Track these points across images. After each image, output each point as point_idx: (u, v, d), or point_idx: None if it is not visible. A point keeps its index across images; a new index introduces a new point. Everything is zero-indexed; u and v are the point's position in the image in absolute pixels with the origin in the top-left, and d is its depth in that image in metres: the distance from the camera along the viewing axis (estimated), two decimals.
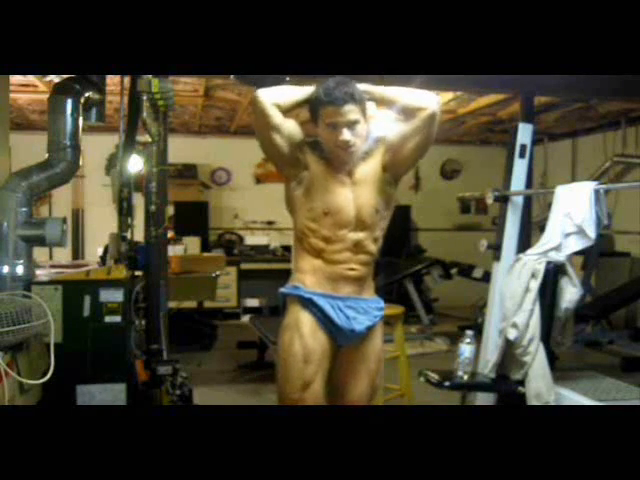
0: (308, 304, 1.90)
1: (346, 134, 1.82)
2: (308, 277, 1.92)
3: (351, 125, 1.83)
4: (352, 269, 1.90)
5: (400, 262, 6.63)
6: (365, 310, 1.95)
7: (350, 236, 1.89)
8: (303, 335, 1.88)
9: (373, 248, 1.95)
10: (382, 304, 2.03)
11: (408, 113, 1.89)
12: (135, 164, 3.47)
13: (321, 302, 1.88)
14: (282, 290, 1.97)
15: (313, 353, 1.87)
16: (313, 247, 1.91)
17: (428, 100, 1.89)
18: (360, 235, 1.91)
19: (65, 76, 2.96)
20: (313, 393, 1.85)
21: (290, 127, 1.88)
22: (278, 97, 1.83)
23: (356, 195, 1.90)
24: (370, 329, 1.96)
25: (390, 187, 1.97)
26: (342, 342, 1.94)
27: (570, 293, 2.52)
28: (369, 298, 1.98)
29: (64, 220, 2.76)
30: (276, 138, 1.85)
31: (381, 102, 1.92)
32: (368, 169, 1.93)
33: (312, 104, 1.89)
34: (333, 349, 1.93)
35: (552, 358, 2.55)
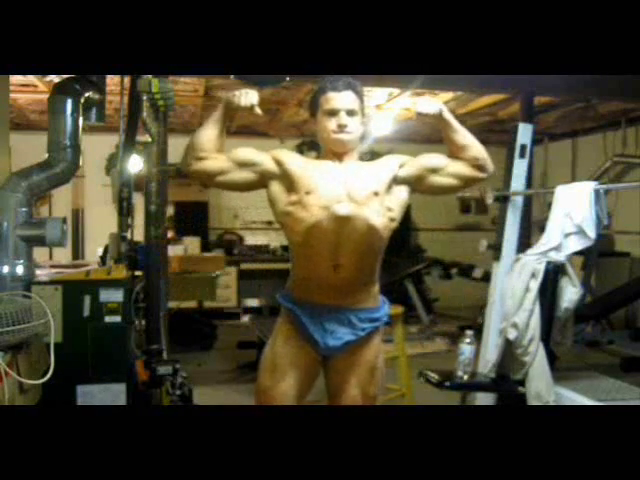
0: (290, 313, 1.90)
1: (344, 118, 1.81)
2: (297, 284, 1.91)
3: (349, 113, 1.82)
4: (338, 265, 1.77)
5: (400, 262, 6.63)
6: (350, 322, 1.84)
7: (338, 209, 1.74)
8: (276, 344, 1.92)
9: (364, 229, 1.76)
10: (379, 314, 1.91)
11: (461, 157, 1.90)
12: (135, 164, 3.47)
13: (300, 313, 1.86)
14: (277, 295, 1.97)
15: (280, 361, 1.89)
16: (297, 243, 1.84)
17: (488, 167, 1.91)
18: (352, 209, 1.75)
19: (65, 76, 2.96)
20: (277, 394, 1.87)
21: (238, 158, 1.86)
22: (203, 148, 1.82)
23: (348, 176, 1.82)
24: (351, 343, 1.86)
25: (384, 182, 1.84)
26: (324, 353, 1.90)
27: (570, 293, 2.52)
28: (361, 308, 1.87)
29: (64, 220, 2.76)
30: (237, 178, 1.86)
31: (451, 130, 1.93)
32: (366, 168, 1.87)
33: (313, 96, 1.90)
34: (312, 359, 1.90)
35: (552, 358, 2.55)
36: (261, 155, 1.88)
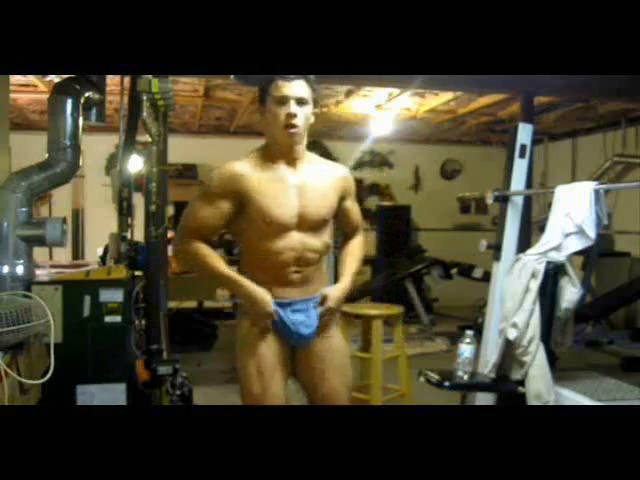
0: None
1: (293, 107, 1.81)
2: (256, 284, 1.90)
3: (299, 102, 1.82)
4: (297, 271, 1.88)
5: (400, 262, 6.63)
6: (314, 309, 1.93)
7: (293, 236, 1.87)
8: (253, 345, 1.90)
9: (319, 245, 1.91)
10: None
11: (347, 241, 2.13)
12: (135, 164, 3.47)
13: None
14: (236, 299, 1.97)
15: (264, 361, 1.89)
16: (258, 253, 1.89)
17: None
18: (303, 235, 1.88)
19: (65, 76, 2.96)
20: (271, 398, 1.87)
21: (219, 214, 1.86)
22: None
23: (301, 198, 1.87)
24: (321, 329, 1.95)
25: (333, 209, 1.97)
26: (294, 344, 1.94)
27: (570, 293, 2.52)
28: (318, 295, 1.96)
29: (64, 220, 2.76)
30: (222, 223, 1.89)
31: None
32: (320, 180, 1.92)
33: (261, 85, 1.88)
34: (287, 351, 1.94)
35: (552, 358, 2.55)
36: (218, 204, 1.86)
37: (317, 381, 1.97)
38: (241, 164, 1.87)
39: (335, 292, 1.96)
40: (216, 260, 1.88)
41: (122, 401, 2.67)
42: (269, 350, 1.90)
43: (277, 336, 1.91)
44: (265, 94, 1.86)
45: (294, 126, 1.82)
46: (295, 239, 1.87)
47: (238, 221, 1.89)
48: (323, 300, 1.94)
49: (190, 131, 7.00)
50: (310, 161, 1.95)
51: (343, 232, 2.11)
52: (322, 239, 1.93)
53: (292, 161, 1.90)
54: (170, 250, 3.28)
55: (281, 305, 1.89)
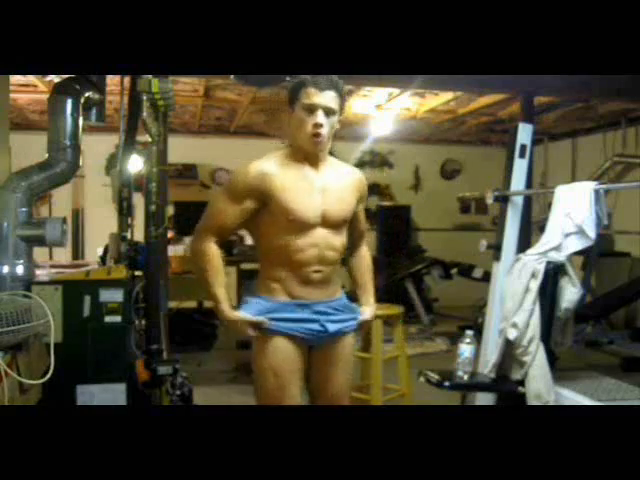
0: (275, 316, 1.91)
1: (321, 117, 1.82)
2: (276, 286, 1.91)
3: (327, 112, 1.83)
4: (317, 271, 1.89)
5: (400, 262, 6.63)
6: (337, 309, 1.96)
7: (317, 232, 1.88)
8: (271, 350, 1.90)
9: (338, 244, 1.94)
10: (346, 300, 2.05)
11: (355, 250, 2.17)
12: (135, 164, 3.47)
13: (290, 312, 1.89)
14: (254, 301, 1.94)
15: (282, 365, 1.89)
16: (279, 251, 1.89)
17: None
18: (326, 232, 1.90)
19: (65, 76, 2.96)
20: (289, 399, 1.89)
21: (238, 213, 1.90)
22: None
23: (325, 198, 1.90)
24: (348, 329, 1.99)
25: (352, 211, 2.00)
26: (314, 343, 1.95)
27: (570, 293, 2.52)
28: (336, 298, 1.98)
29: (64, 220, 2.76)
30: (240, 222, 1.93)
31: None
32: (341, 182, 1.95)
33: (292, 87, 1.88)
34: (304, 353, 1.94)
35: (552, 358, 2.55)
36: (241, 202, 1.89)
37: (328, 382, 1.99)
38: (267, 163, 1.89)
39: (371, 314, 2.10)
40: (214, 273, 1.88)
41: (122, 401, 2.67)
42: (286, 355, 1.90)
43: (294, 341, 1.91)
44: (294, 97, 1.87)
45: (319, 135, 1.83)
46: (319, 235, 1.88)
47: (258, 219, 1.90)
48: (363, 325, 2.07)
49: (190, 131, 7.00)
50: (331, 164, 1.98)
51: (350, 237, 2.10)
52: (342, 239, 1.96)
53: (315, 164, 1.92)
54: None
55: (301, 306, 1.90)
